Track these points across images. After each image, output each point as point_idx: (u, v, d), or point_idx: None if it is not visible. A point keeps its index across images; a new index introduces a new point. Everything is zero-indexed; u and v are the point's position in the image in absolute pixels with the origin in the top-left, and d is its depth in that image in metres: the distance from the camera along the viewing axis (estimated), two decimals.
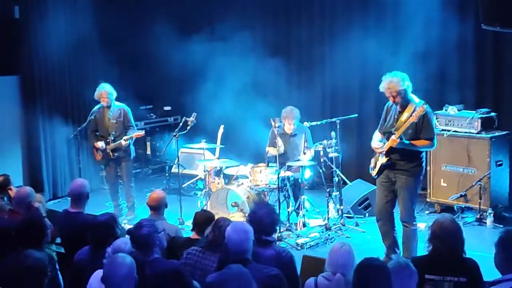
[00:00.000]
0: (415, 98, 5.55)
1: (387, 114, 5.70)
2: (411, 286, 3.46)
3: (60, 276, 4.33)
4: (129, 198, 7.71)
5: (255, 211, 4.21)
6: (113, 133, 7.45)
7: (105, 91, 7.39)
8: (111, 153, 7.46)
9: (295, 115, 7.38)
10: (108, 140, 7.46)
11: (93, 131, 7.60)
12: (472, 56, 7.87)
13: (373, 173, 5.77)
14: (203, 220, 4.58)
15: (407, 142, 5.43)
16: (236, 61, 8.97)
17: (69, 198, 5.33)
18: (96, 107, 7.54)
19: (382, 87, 5.50)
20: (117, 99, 7.58)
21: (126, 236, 4.16)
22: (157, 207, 5.08)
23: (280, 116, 7.39)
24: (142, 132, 7.52)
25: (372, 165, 5.82)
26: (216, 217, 7.31)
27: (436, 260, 3.82)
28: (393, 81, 5.41)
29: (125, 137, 7.35)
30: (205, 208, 7.44)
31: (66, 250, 4.81)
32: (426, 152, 5.92)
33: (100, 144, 7.47)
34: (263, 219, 4.11)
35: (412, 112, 5.40)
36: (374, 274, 3.25)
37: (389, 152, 5.55)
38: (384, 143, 5.61)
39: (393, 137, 5.42)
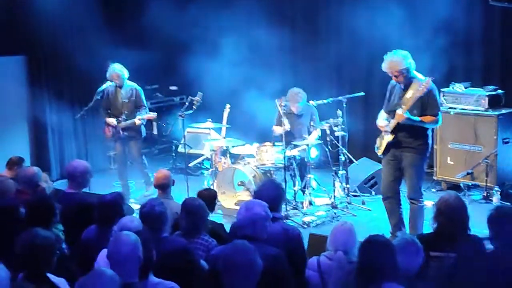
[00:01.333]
0: (420, 76, 5.52)
1: (391, 93, 5.68)
2: (416, 262, 3.48)
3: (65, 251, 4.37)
4: (144, 174, 7.77)
5: (259, 187, 4.24)
6: (125, 112, 7.50)
7: (116, 73, 7.44)
8: (121, 131, 7.49)
9: (299, 99, 7.34)
10: (120, 119, 7.50)
11: (106, 109, 7.66)
12: (479, 33, 7.79)
13: (379, 151, 5.77)
14: (205, 199, 4.60)
15: (413, 117, 5.40)
16: (242, 39, 8.92)
17: None
18: (102, 87, 7.54)
19: (384, 67, 5.49)
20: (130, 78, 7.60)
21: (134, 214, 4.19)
22: (164, 186, 5.11)
23: (287, 95, 7.37)
24: (154, 115, 7.57)
25: (377, 144, 5.81)
26: (222, 196, 7.39)
27: (441, 237, 3.83)
28: (394, 60, 5.39)
29: (139, 117, 7.41)
30: (212, 187, 7.48)
31: (66, 229, 4.84)
32: (433, 130, 5.89)
33: (111, 120, 7.53)
34: (268, 193, 4.12)
35: (418, 88, 5.36)
36: (378, 250, 3.25)
37: (395, 129, 5.54)
38: (390, 122, 5.59)
39: (399, 111, 5.40)
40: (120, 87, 7.51)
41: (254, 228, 3.64)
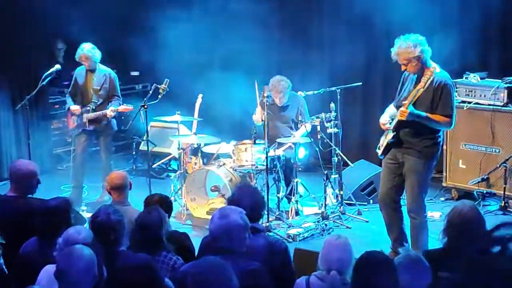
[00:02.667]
0: (436, 67, 5.49)
1: (403, 85, 5.67)
2: (422, 284, 3.46)
3: (4, 267, 4.31)
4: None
5: (234, 194, 4.24)
6: (95, 101, 7.47)
7: (85, 54, 7.45)
8: (87, 123, 7.45)
9: (282, 88, 7.36)
10: (88, 108, 7.46)
11: (73, 95, 7.66)
12: (497, 17, 7.85)
13: (379, 152, 5.76)
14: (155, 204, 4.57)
15: (418, 113, 5.38)
16: (217, 15, 8.90)
17: None
18: (50, 71, 7.44)
19: (392, 53, 5.47)
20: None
21: (84, 225, 4.12)
22: (120, 188, 5.06)
23: (269, 84, 7.37)
24: (130, 106, 7.59)
25: (380, 143, 5.80)
26: (192, 204, 7.36)
27: (451, 254, 3.83)
28: (403, 46, 5.36)
29: (112, 108, 7.41)
30: (180, 193, 7.45)
31: (6, 240, 4.77)
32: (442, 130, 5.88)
33: (75, 107, 7.52)
34: (246, 200, 4.10)
35: (431, 81, 5.36)
36: (376, 269, 3.24)
37: (398, 127, 5.53)
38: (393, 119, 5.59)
39: (401, 108, 5.40)
40: (92, 71, 7.52)
41: (230, 239, 3.62)
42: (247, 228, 3.72)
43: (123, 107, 7.55)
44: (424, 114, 5.37)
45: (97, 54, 7.52)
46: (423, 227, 5.66)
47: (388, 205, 5.77)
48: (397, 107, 5.63)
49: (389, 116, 5.70)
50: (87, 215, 6.30)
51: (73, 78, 7.62)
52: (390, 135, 5.57)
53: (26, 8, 8.68)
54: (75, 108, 7.56)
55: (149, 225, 4.05)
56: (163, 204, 4.61)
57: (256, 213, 4.10)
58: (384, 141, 5.70)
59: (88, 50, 7.45)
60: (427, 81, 5.31)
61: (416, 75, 5.49)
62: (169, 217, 4.55)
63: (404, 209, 5.81)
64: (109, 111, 7.41)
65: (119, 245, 3.99)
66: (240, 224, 3.68)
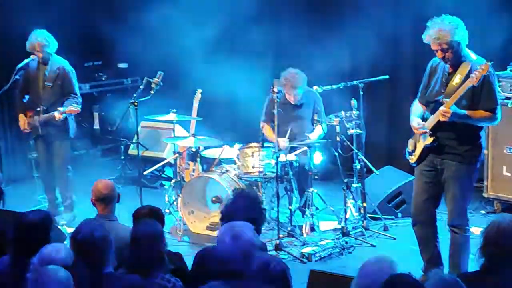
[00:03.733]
0: (472, 55, 5.50)
1: (431, 77, 5.64)
2: None
3: None
4: (65, 192, 7.72)
5: (228, 204, 4.21)
6: (47, 100, 7.42)
7: (38, 42, 7.32)
8: (40, 128, 7.45)
9: (297, 83, 7.34)
10: (38, 109, 7.42)
11: (22, 92, 7.57)
12: None
13: (412, 159, 5.73)
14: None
15: (462, 112, 5.39)
16: None
17: None
18: (24, 62, 7.47)
19: (428, 37, 5.43)
20: (58, 52, 7.53)
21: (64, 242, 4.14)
22: (106, 200, 5.07)
23: (280, 78, 7.37)
24: (77, 108, 7.36)
25: (410, 148, 5.77)
26: (190, 218, 7.38)
27: (490, 277, 3.83)
28: (444, 29, 5.32)
29: (59, 109, 7.28)
30: (175, 204, 7.46)
31: None
32: (484, 130, 5.87)
33: (21, 116, 7.46)
34: (241, 213, 4.08)
35: (469, 73, 5.35)
36: None
37: (436, 129, 5.52)
38: (428, 118, 5.57)
39: (442, 108, 5.37)
40: (45, 63, 7.45)
41: (247, 262, 3.60)
42: (257, 245, 3.72)
43: (70, 108, 7.28)
44: (464, 112, 5.36)
45: (52, 43, 7.37)
46: (465, 244, 5.63)
47: (422, 219, 5.75)
48: (427, 104, 5.62)
49: (418, 117, 5.68)
50: (68, 230, 6.34)
51: (17, 76, 7.41)
52: (429, 139, 5.54)
53: None
54: (21, 117, 7.46)
55: (142, 240, 4.04)
56: (153, 218, 4.61)
57: (256, 227, 4.08)
58: (417, 146, 5.68)
59: (42, 37, 7.30)
60: (480, 77, 5.25)
61: (448, 65, 5.47)
62: None
63: (440, 224, 5.81)
64: (57, 113, 7.24)
65: (105, 266, 3.97)
66: (255, 244, 3.68)
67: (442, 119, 5.36)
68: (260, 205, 4.32)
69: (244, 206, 4.18)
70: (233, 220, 3.97)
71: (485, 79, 5.33)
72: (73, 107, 7.33)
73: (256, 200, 4.34)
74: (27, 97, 7.58)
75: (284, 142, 7.26)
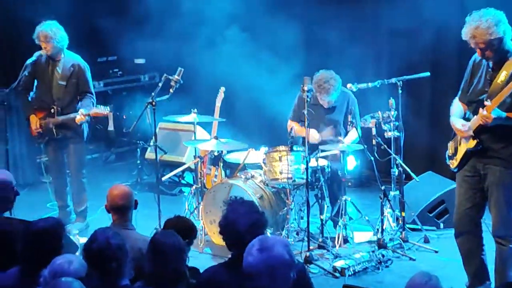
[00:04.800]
0: None
1: (473, 74, 5.63)
2: None
3: None
4: (79, 198, 7.79)
5: (226, 214, 4.28)
6: (61, 100, 7.49)
7: (45, 33, 7.31)
8: (55, 130, 7.51)
9: (331, 89, 7.33)
10: (52, 110, 7.49)
11: (27, 89, 7.59)
12: None
13: (453, 163, 5.73)
14: (176, 231, 4.60)
15: (504, 115, 5.36)
16: None
17: None
18: (33, 57, 7.53)
19: (465, 34, 5.43)
20: (68, 47, 7.58)
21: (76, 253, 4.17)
22: (122, 209, 5.10)
23: (312, 80, 7.36)
24: (106, 111, 7.51)
25: (450, 151, 5.78)
26: (212, 227, 7.38)
27: None
28: (482, 27, 5.32)
29: (82, 111, 7.35)
30: (196, 213, 7.48)
31: None
32: None
33: (34, 119, 7.50)
34: (238, 224, 4.16)
35: None
36: None
37: (479, 131, 5.50)
38: (471, 119, 5.55)
39: (483, 112, 5.35)
40: (55, 59, 7.50)
41: (274, 278, 3.61)
42: (293, 265, 3.72)
43: (95, 111, 7.39)
44: (504, 114, 5.35)
45: (63, 37, 7.39)
46: (511, 257, 5.63)
47: (466, 230, 5.73)
48: (469, 103, 5.61)
49: (459, 117, 5.65)
50: (82, 240, 6.38)
51: (28, 67, 7.42)
52: (471, 142, 5.52)
53: None
54: (33, 120, 7.49)
55: (167, 253, 4.09)
56: (181, 229, 4.65)
57: (257, 234, 4.11)
58: (459, 149, 5.66)
59: (51, 30, 7.30)
60: None
61: (492, 62, 5.45)
62: (189, 246, 4.61)
63: (486, 235, 5.78)
64: (79, 115, 7.32)
65: (121, 277, 4.01)
66: (286, 260, 3.68)
67: (482, 121, 5.35)
68: (259, 211, 4.38)
69: (244, 212, 4.26)
70: (236, 228, 4.11)
71: None
72: (98, 109, 7.41)
73: (253, 204, 4.45)
74: (31, 94, 7.64)
75: (315, 133, 7.27)
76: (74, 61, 7.54)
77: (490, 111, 5.30)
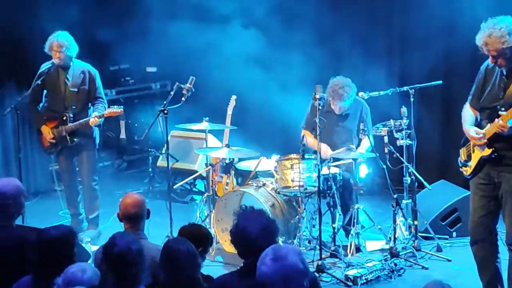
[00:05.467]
0: None
1: (486, 80, 5.60)
2: None
3: None
4: (91, 206, 7.80)
5: (236, 224, 4.28)
6: (73, 107, 7.51)
7: (59, 42, 7.39)
8: (68, 138, 7.53)
9: (345, 96, 7.32)
10: (65, 118, 7.52)
11: (35, 101, 7.63)
12: None
13: (466, 171, 5.71)
14: (190, 239, 4.60)
15: None
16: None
17: None
18: (44, 66, 7.57)
19: (478, 41, 5.42)
20: (79, 56, 7.62)
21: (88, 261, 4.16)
22: (134, 218, 5.08)
23: (327, 88, 7.35)
24: (119, 109, 7.56)
25: (462, 158, 5.76)
26: (224, 236, 7.38)
27: None
28: (494, 35, 5.31)
29: (95, 113, 7.40)
30: (208, 221, 7.48)
31: None
32: None
33: (45, 129, 7.53)
34: (249, 230, 4.16)
35: None
36: None
37: (493, 139, 5.48)
38: (485, 127, 5.52)
39: (499, 122, 5.32)
40: (64, 68, 7.53)
41: (288, 287, 3.62)
42: (307, 273, 3.71)
43: (110, 111, 7.46)
44: None
45: (74, 46, 7.47)
46: None
47: (481, 238, 5.69)
48: (482, 110, 5.58)
49: (471, 124, 5.63)
50: (93, 248, 6.38)
51: (37, 78, 7.47)
52: (487, 150, 5.50)
53: None
54: (45, 129, 7.53)
55: (180, 258, 4.09)
56: (196, 237, 4.65)
57: (266, 241, 4.11)
58: (473, 157, 5.64)
59: (62, 39, 7.38)
60: None
61: (506, 69, 5.43)
62: (202, 254, 4.60)
63: (501, 243, 5.75)
64: (93, 118, 7.38)
65: (138, 284, 4.00)
66: (300, 269, 3.66)
67: (498, 130, 5.33)
68: (269, 217, 4.39)
69: (254, 218, 4.27)
70: (247, 234, 4.12)
71: None
72: (112, 109, 7.47)
73: (263, 211, 4.46)
74: (40, 105, 7.68)
75: (327, 149, 7.26)
76: (83, 68, 7.60)
77: (506, 121, 5.28)
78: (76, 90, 7.53)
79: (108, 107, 7.63)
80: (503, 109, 5.35)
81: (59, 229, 4.37)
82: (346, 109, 7.46)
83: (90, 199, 7.79)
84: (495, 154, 5.48)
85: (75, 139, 7.56)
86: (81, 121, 7.48)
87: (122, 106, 7.68)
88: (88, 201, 7.80)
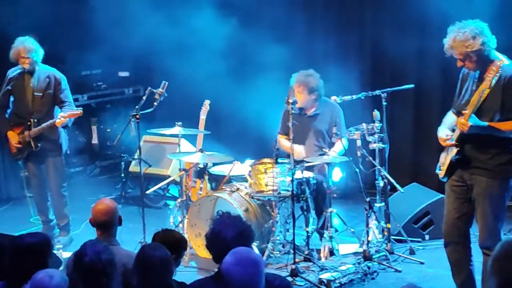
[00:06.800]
0: (503, 60, 5.48)
1: (462, 84, 5.65)
2: None
3: None
4: (61, 212, 7.75)
5: (212, 228, 4.30)
6: (37, 112, 7.45)
7: (24, 47, 7.34)
8: (33, 143, 7.46)
9: (309, 85, 7.36)
10: (29, 123, 7.45)
11: (3, 107, 7.56)
12: None
13: (441, 173, 5.73)
14: (164, 245, 4.58)
15: (483, 124, 5.37)
16: (228, 4, 8.94)
17: None
18: (13, 72, 7.50)
19: (445, 44, 5.47)
20: (45, 60, 7.56)
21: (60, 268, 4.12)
22: (106, 225, 5.05)
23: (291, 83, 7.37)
24: (79, 111, 7.45)
25: (441, 161, 5.76)
26: (197, 241, 7.34)
27: None
28: (458, 38, 5.35)
29: (61, 114, 7.33)
30: (181, 226, 7.44)
31: None
32: None
33: (12, 134, 7.46)
34: (225, 234, 4.16)
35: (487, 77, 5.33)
36: None
37: (461, 140, 5.51)
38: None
39: (461, 119, 5.38)
40: (31, 73, 7.47)
41: (258, 283, 3.64)
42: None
43: (70, 112, 7.36)
44: (486, 124, 5.35)
45: (39, 50, 7.43)
46: None
47: (455, 240, 5.72)
48: (457, 114, 5.62)
49: (448, 127, 5.66)
50: (65, 254, 6.33)
51: (7, 83, 7.44)
52: (454, 151, 5.55)
53: None
54: (14, 138, 7.46)
55: (155, 265, 4.07)
56: (170, 242, 4.63)
57: (243, 245, 4.12)
58: (446, 158, 5.67)
59: (28, 45, 7.33)
60: (492, 79, 5.27)
61: (477, 72, 5.47)
62: (177, 260, 4.58)
63: (475, 246, 5.78)
64: (59, 118, 7.29)
65: None
66: (263, 270, 3.71)
67: (462, 129, 5.37)
68: (245, 223, 4.41)
69: (231, 222, 4.29)
70: (222, 238, 4.15)
71: (506, 83, 5.31)
72: (73, 110, 7.39)
73: (240, 216, 4.50)
74: (8, 111, 7.62)
75: (301, 148, 7.27)
76: (49, 72, 7.54)
77: (466, 118, 5.31)
78: (40, 94, 7.46)
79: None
80: (466, 108, 5.39)
81: (34, 237, 4.35)
82: (316, 107, 7.47)
83: (59, 206, 7.73)
84: (461, 154, 5.50)
85: (39, 144, 7.49)
86: (45, 123, 7.39)
87: (81, 108, 7.50)
88: (58, 209, 7.74)
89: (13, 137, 7.53)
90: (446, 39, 5.43)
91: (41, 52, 7.46)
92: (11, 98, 7.57)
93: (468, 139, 5.48)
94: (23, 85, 7.49)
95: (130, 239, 6.63)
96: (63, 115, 7.32)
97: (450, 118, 5.72)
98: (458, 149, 5.53)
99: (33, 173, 7.74)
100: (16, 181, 9.18)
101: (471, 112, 5.31)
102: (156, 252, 4.20)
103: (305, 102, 7.46)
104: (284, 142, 7.45)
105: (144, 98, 7.48)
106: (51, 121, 7.39)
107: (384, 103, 7.20)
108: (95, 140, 10.34)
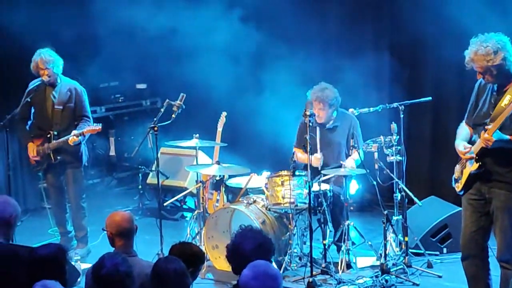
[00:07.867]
0: None
1: (479, 96, 5.63)
2: None
3: None
4: (80, 224, 7.76)
5: (233, 241, 4.33)
6: (58, 125, 7.48)
7: (41, 59, 7.37)
8: (52, 155, 7.49)
9: (326, 98, 7.36)
10: (49, 135, 7.49)
11: (24, 118, 7.61)
12: None
13: (458, 186, 5.71)
14: (181, 258, 4.58)
15: (506, 138, 5.36)
16: (247, 13, 8.96)
17: None
18: (33, 84, 7.56)
19: (466, 57, 5.45)
20: (64, 72, 7.59)
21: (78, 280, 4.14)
22: (128, 234, 5.05)
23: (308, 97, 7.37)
24: (98, 127, 7.50)
25: (456, 174, 5.75)
26: (214, 253, 7.34)
27: None
28: (480, 52, 5.33)
29: (74, 132, 7.36)
30: (198, 238, 7.45)
31: None
32: None
33: (31, 146, 7.49)
34: (244, 246, 4.19)
35: None
36: None
37: (482, 154, 5.49)
38: (474, 143, 5.54)
39: (484, 134, 5.35)
40: (52, 85, 7.51)
41: None
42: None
43: (88, 129, 7.40)
44: (508, 138, 5.33)
45: (60, 63, 7.45)
46: None
47: (473, 253, 5.69)
48: (474, 126, 5.60)
49: (463, 140, 5.64)
50: (84, 265, 6.35)
51: (26, 95, 7.47)
52: (474, 165, 5.52)
53: None
54: (31, 151, 7.49)
55: (170, 278, 4.08)
56: (187, 255, 4.63)
57: (263, 257, 4.12)
58: (464, 172, 5.65)
59: (48, 57, 7.36)
60: None
61: (496, 84, 5.45)
62: (194, 273, 4.58)
63: (493, 259, 5.75)
64: (72, 137, 7.31)
65: None
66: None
67: (484, 144, 5.35)
68: (266, 236, 4.44)
69: (251, 235, 4.33)
70: (242, 250, 4.19)
71: None
72: (91, 127, 7.42)
73: (261, 232, 4.52)
74: (29, 123, 7.66)
75: (318, 157, 7.26)
76: (70, 85, 7.57)
77: (491, 134, 5.30)
78: (61, 107, 7.48)
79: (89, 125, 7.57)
80: (489, 123, 5.37)
81: (48, 248, 4.35)
82: (333, 120, 7.48)
83: (77, 218, 7.75)
84: (483, 168, 5.48)
85: (58, 157, 7.51)
86: (61, 139, 7.42)
87: (100, 124, 7.55)
88: (76, 220, 7.76)
89: (32, 150, 7.56)
90: (468, 51, 5.40)
91: (61, 63, 7.48)
92: (32, 110, 7.60)
93: (488, 152, 5.46)
94: (43, 97, 7.52)
95: (148, 251, 6.63)
96: (76, 133, 7.34)
97: (463, 130, 5.70)
98: (480, 163, 5.50)
99: (52, 185, 7.78)
100: (35, 192, 9.23)
101: (496, 128, 5.29)
102: (169, 265, 4.21)
103: (327, 117, 7.49)
104: (300, 155, 7.45)
105: (162, 110, 7.50)
106: (66, 137, 7.40)
107: (402, 116, 7.19)
108: (112, 152, 10.37)
